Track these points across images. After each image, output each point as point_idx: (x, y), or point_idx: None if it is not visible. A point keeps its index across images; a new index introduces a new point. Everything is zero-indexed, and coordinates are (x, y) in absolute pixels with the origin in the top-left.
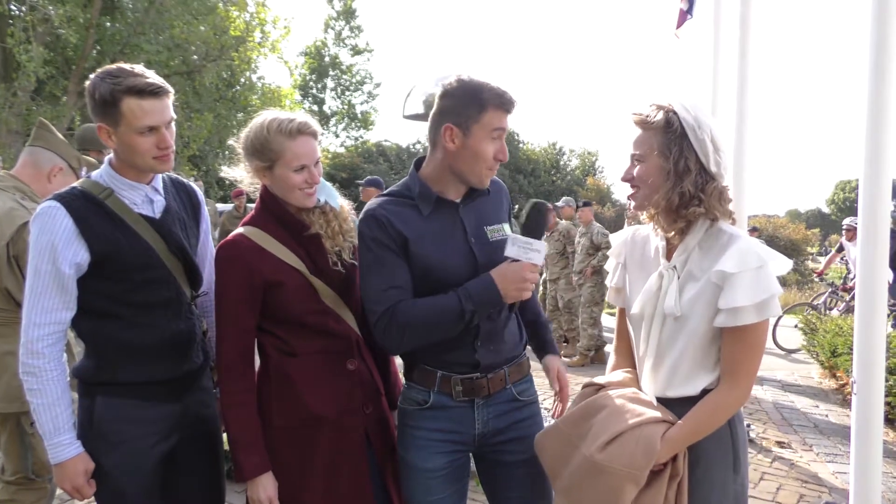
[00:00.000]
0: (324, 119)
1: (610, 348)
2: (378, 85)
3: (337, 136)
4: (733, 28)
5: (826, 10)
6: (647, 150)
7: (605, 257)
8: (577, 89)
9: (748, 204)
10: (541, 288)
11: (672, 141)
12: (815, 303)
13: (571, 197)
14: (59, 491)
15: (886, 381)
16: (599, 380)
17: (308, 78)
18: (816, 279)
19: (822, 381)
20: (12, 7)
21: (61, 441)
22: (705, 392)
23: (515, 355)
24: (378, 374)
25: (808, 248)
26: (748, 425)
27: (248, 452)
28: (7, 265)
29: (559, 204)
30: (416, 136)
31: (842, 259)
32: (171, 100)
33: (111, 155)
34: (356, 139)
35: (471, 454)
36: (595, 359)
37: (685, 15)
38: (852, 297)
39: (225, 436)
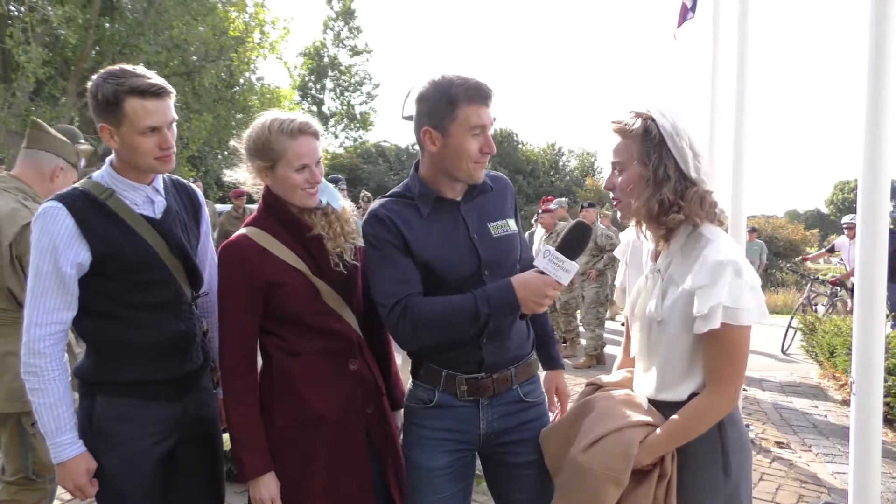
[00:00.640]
0: (323, 120)
1: (609, 350)
2: (377, 86)
3: (336, 136)
4: (732, 28)
5: (825, 11)
6: (626, 158)
7: (610, 259)
8: (576, 90)
9: (747, 204)
10: None
11: (651, 149)
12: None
13: (567, 198)
14: (59, 491)
15: (885, 381)
16: (599, 379)
17: (307, 78)
18: (802, 263)
19: (821, 382)
20: (11, 7)
21: (63, 440)
22: (693, 397)
23: (522, 354)
24: (379, 375)
25: (807, 249)
26: (747, 425)
27: (250, 452)
28: (10, 265)
29: (552, 206)
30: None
31: (840, 261)
32: (172, 100)
33: (112, 156)
34: (355, 140)
35: (477, 454)
36: (599, 359)
37: (687, 12)
38: (833, 293)
39: (227, 436)
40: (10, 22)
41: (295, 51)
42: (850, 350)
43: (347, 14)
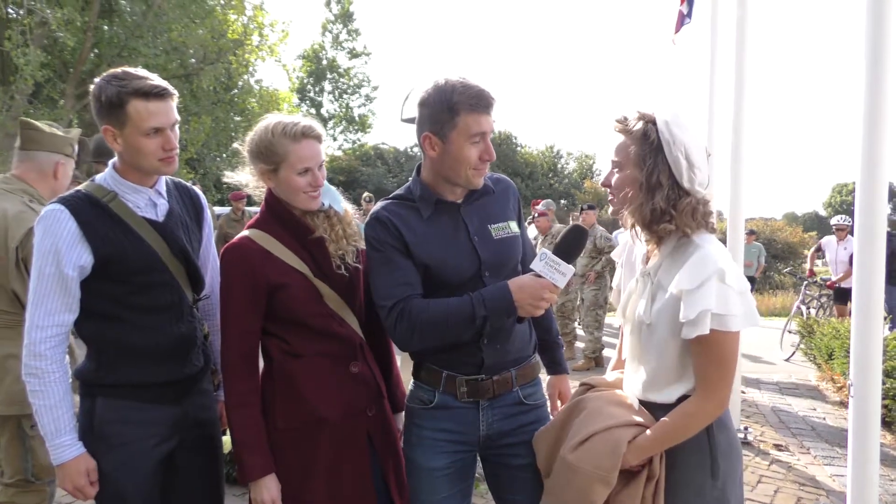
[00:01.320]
0: (321, 122)
1: (608, 353)
2: (376, 88)
3: (335, 139)
4: (730, 32)
5: (823, 15)
6: (624, 157)
7: (608, 261)
8: (575, 92)
9: (745, 207)
10: None
11: (648, 153)
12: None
13: (566, 200)
14: (59, 494)
15: (883, 383)
16: (592, 380)
17: (306, 81)
18: (807, 280)
19: (819, 384)
20: (9, 10)
21: (63, 442)
22: (683, 399)
23: (523, 357)
24: (380, 377)
25: (805, 251)
26: (745, 428)
27: (251, 454)
28: (15, 268)
29: (539, 208)
30: (413, 139)
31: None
32: (175, 102)
33: (115, 159)
34: (354, 142)
35: (478, 456)
36: (598, 362)
37: (684, 18)
38: (822, 294)
39: (227, 438)
40: (8, 24)
41: (293, 53)
42: (849, 353)
43: (346, 17)
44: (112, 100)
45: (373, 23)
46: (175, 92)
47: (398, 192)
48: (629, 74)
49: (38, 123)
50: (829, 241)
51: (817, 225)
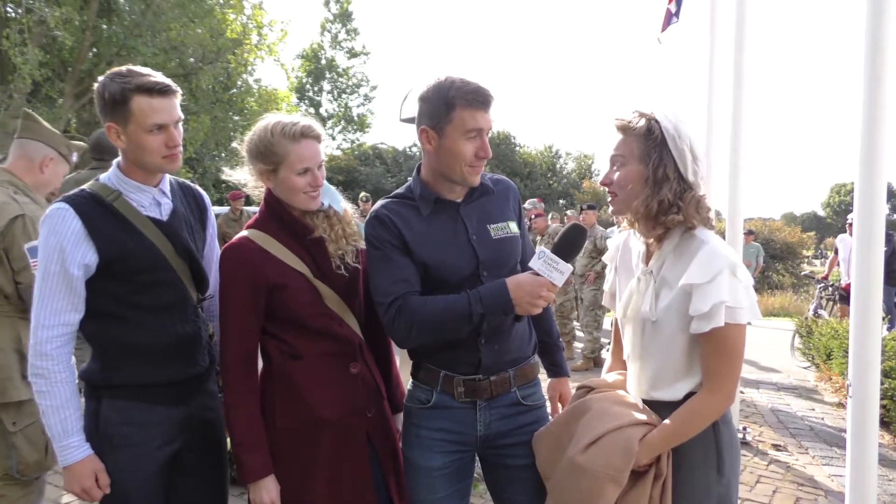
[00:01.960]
0: (320, 122)
1: (606, 353)
2: (374, 88)
3: (333, 138)
4: (729, 31)
5: (822, 14)
6: (627, 155)
7: None
8: (574, 92)
9: (744, 207)
10: None
11: (652, 148)
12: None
13: (565, 200)
14: (59, 493)
15: (882, 384)
16: (591, 382)
17: (304, 81)
18: (820, 284)
19: (817, 384)
20: (8, 9)
21: (71, 443)
22: (689, 396)
23: (521, 357)
24: (380, 378)
25: (804, 252)
26: (744, 428)
27: (251, 454)
28: None
29: (527, 206)
30: (412, 139)
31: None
32: (178, 99)
33: (120, 158)
34: (352, 142)
35: (476, 456)
36: (597, 362)
37: (671, 17)
38: (828, 294)
39: (227, 438)
40: (7, 23)
41: (292, 53)
42: (847, 353)
43: (345, 16)
44: (116, 96)
45: (372, 22)
46: (178, 89)
47: (399, 190)
48: (628, 75)
49: (39, 118)
50: (843, 238)
51: (815, 225)
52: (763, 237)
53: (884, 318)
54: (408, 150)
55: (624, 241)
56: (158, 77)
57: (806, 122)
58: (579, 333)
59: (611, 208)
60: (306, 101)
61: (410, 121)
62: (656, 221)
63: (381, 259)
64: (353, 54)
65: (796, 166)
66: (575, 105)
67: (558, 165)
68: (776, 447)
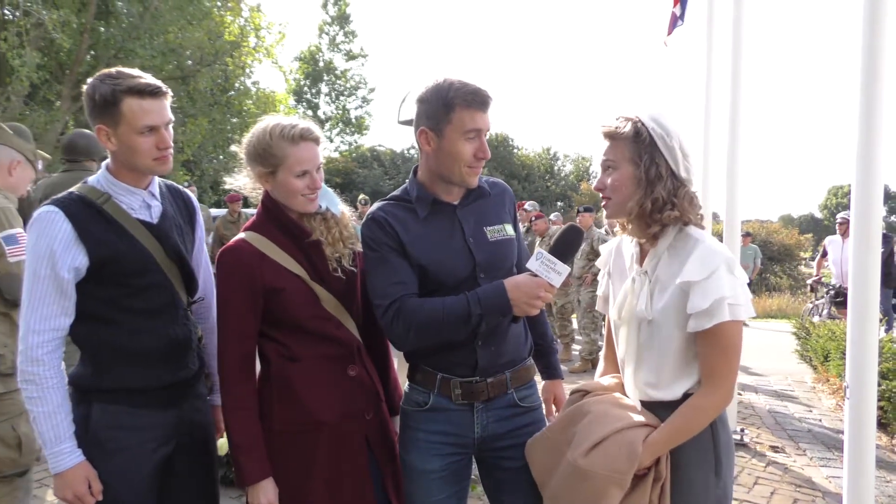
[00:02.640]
0: (318, 124)
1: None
2: (372, 90)
3: (331, 141)
4: (726, 34)
5: (819, 16)
6: (617, 159)
7: None
8: (572, 95)
9: (741, 209)
10: None
11: (642, 150)
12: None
13: (564, 202)
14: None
15: (879, 385)
16: (586, 385)
17: (302, 83)
18: (811, 285)
19: (815, 386)
20: (5, 11)
21: (62, 449)
22: (687, 395)
23: (518, 359)
24: (378, 380)
25: (802, 253)
26: (742, 430)
27: (249, 457)
28: None
29: (527, 208)
30: (410, 141)
31: (827, 264)
32: (168, 101)
33: (108, 160)
34: (350, 144)
35: (474, 458)
36: (595, 363)
37: (677, 20)
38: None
39: (224, 441)
40: (4, 26)
41: (290, 55)
42: (844, 354)
43: (343, 18)
44: (106, 98)
45: (369, 25)
46: (169, 90)
47: (395, 192)
48: (626, 77)
49: (3, 125)
50: (832, 240)
51: (813, 227)
52: (761, 239)
53: (881, 320)
54: (406, 152)
55: (617, 246)
56: (149, 79)
57: (803, 125)
58: (578, 336)
59: (604, 213)
60: (304, 104)
61: (409, 123)
62: (651, 220)
63: (378, 261)
64: (350, 56)
65: (794, 168)
66: (573, 107)
67: (556, 168)
68: (774, 449)
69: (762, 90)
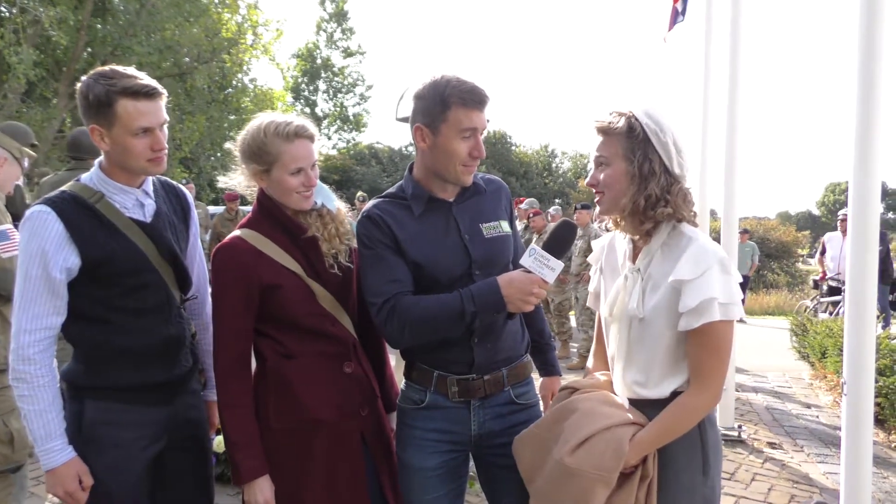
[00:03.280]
0: (316, 121)
1: None
2: (370, 87)
3: (329, 138)
4: (724, 31)
5: (816, 14)
6: (611, 154)
7: None
8: (570, 91)
9: (739, 206)
10: None
11: (635, 145)
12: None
13: (560, 199)
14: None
15: (876, 382)
16: (574, 383)
17: (300, 80)
18: (815, 282)
19: (812, 383)
20: (2, 8)
21: (53, 447)
22: (676, 394)
23: (515, 356)
24: (374, 377)
25: (799, 251)
26: (739, 426)
27: (245, 455)
28: None
29: (523, 206)
30: (408, 138)
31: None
32: (164, 102)
33: (102, 158)
34: (348, 141)
35: (471, 455)
36: None
37: (678, 15)
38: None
39: (220, 438)
40: (1, 23)
41: (288, 52)
42: (842, 351)
43: (340, 16)
44: (100, 98)
45: (367, 22)
46: (164, 91)
47: (390, 190)
48: (623, 73)
49: None
50: (831, 236)
51: (810, 224)
52: (758, 236)
53: (878, 317)
54: (404, 149)
55: (609, 242)
56: (144, 79)
57: (801, 122)
58: (575, 333)
59: (597, 209)
60: (302, 101)
61: (407, 120)
62: (645, 216)
63: (373, 259)
64: (348, 54)
65: (791, 165)
66: (571, 104)
67: (554, 165)
68: (771, 445)
69: (760, 87)
